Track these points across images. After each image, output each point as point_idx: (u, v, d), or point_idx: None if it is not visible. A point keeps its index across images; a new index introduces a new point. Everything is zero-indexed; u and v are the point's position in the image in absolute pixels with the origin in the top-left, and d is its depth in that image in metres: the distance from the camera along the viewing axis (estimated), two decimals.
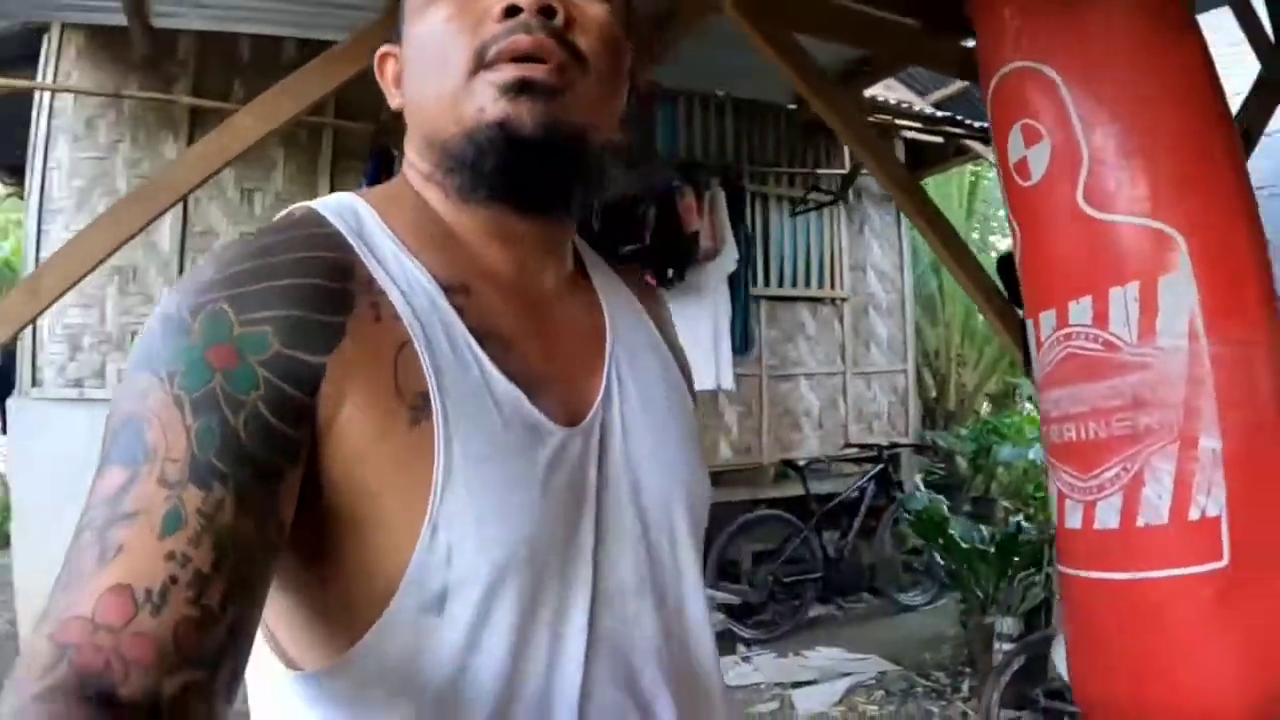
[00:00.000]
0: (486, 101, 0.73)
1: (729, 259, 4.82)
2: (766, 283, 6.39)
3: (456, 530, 0.68)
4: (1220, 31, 3.75)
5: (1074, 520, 2.27)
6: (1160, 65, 2.20)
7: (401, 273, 0.74)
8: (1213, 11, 3.75)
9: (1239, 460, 2.05)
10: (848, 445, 6.71)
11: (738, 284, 5.05)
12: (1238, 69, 3.66)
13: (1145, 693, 2.13)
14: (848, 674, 4.73)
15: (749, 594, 5.89)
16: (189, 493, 0.59)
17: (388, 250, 0.76)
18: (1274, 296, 2.15)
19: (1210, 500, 2.03)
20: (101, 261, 2.96)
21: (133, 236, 3.00)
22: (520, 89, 0.72)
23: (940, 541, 4.86)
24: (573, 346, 0.83)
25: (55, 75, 4.75)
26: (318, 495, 0.68)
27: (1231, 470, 2.04)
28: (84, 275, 2.95)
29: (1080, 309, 2.20)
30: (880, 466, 6.10)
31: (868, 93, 5.90)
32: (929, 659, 5.01)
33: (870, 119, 5.81)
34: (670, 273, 4.75)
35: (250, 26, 4.52)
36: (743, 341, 5.13)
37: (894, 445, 6.56)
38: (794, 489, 6.10)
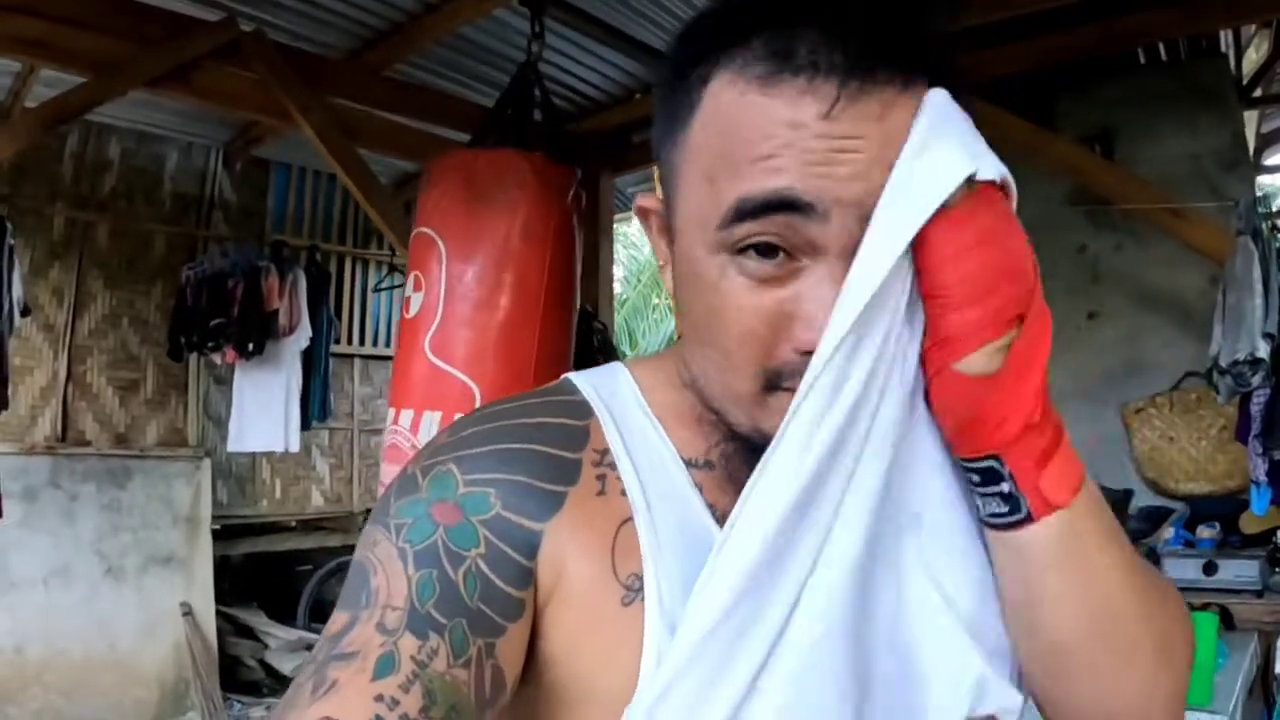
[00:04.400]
0: (773, 429, 0.63)
1: (303, 337, 5.29)
2: (361, 343, 6.79)
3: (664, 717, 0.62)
4: None
5: None
6: (513, 267, 2.85)
7: (642, 446, 0.72)
8: None
9: None
10: None
11: (317, 358, 5.53)
12: None
13: None
14: None
15: None
16: (405, 640, 0.59)
17: (634, 421, 0.73)
18: None
19: None
20: None
21: None
22: None
23: None
24: None
25: None
26: (540, 666, 0.67)
27: None
28: None
29: (406, 416, 2.85)
30: None
31: None
32: None
33: None
34: (250, 346, 5.14)
35: None
36: (320, 409, 5.61)
37: None
38: None
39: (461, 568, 0.62)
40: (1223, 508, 3.86)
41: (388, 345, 6.96)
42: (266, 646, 5.91)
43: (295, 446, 5.44)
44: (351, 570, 0.65)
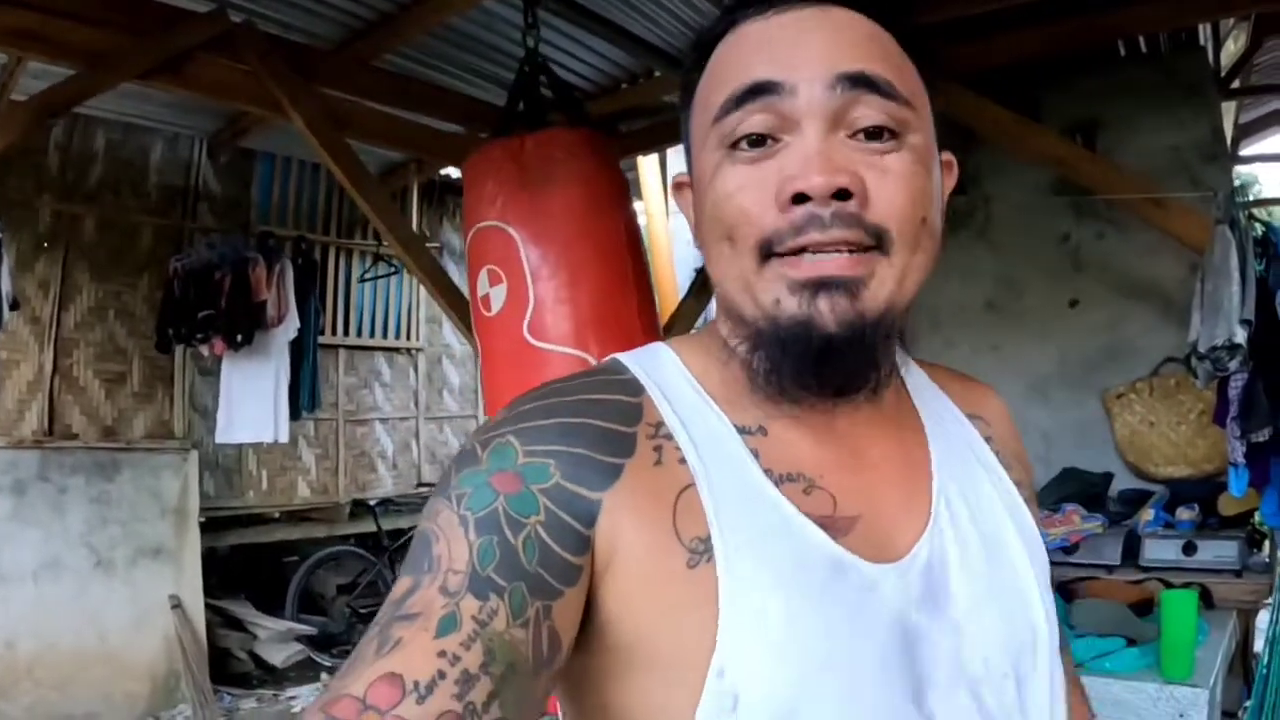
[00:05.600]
0: (782, 294, 0.69)
1: (291, 327, 5.30)
2: (346, 333, 6.78)
3: (743, 674, 0.65)
4: None
5: None
6: (591, 236, 2.88)
7: (695, 417, 0.74)
8: None
9: None
10: (421, 485, 7.16)
11: (306, 349, 5.54)
12: None
13: None
14: None
15: (330, 624, 6.29)
16: (466, 601, 0.61)
17: (684, 395, 0.76)
18: None
19: None
20: None
21: None
22: (818, 287, 0.68)
23: None
24: (891, 478, 0.78)
25: None
26: (600, 632, 0.69)
27: None
28: None
29: None
30: None
31: (445, 171, 6.57)
32: None
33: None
34: (239, 337, 5.15)
35: None
36: (310, 400, 5.62)
37: None
38: (368, 526, 6.54)
39: (521, 534, 0.65)
40: (1202, 490, 3.92)
41: (372, 335, 6.98)
42: (255, 638, 5.91)
43: (284, 437, 5.45)
44: (414, 541, 0.68)
